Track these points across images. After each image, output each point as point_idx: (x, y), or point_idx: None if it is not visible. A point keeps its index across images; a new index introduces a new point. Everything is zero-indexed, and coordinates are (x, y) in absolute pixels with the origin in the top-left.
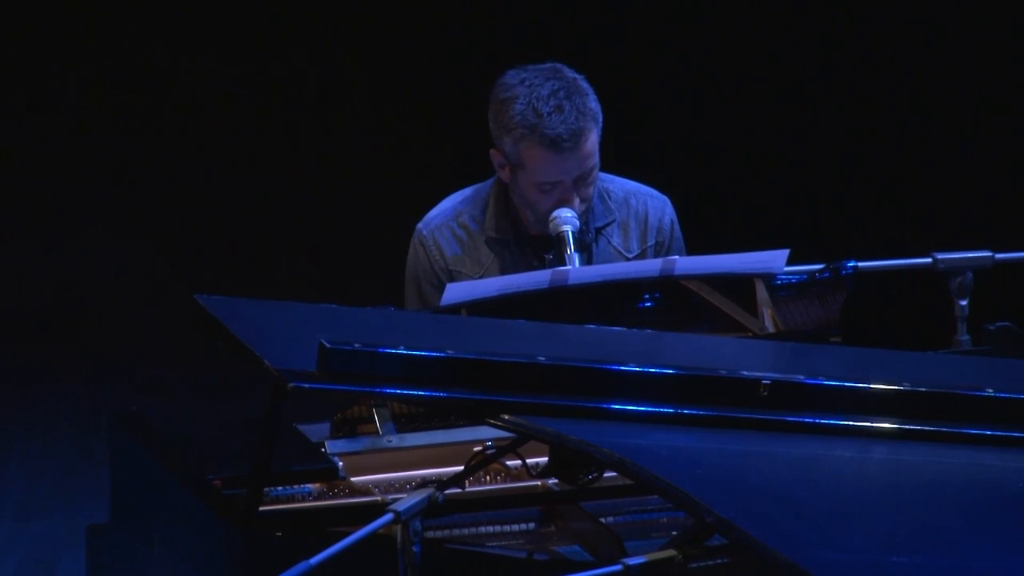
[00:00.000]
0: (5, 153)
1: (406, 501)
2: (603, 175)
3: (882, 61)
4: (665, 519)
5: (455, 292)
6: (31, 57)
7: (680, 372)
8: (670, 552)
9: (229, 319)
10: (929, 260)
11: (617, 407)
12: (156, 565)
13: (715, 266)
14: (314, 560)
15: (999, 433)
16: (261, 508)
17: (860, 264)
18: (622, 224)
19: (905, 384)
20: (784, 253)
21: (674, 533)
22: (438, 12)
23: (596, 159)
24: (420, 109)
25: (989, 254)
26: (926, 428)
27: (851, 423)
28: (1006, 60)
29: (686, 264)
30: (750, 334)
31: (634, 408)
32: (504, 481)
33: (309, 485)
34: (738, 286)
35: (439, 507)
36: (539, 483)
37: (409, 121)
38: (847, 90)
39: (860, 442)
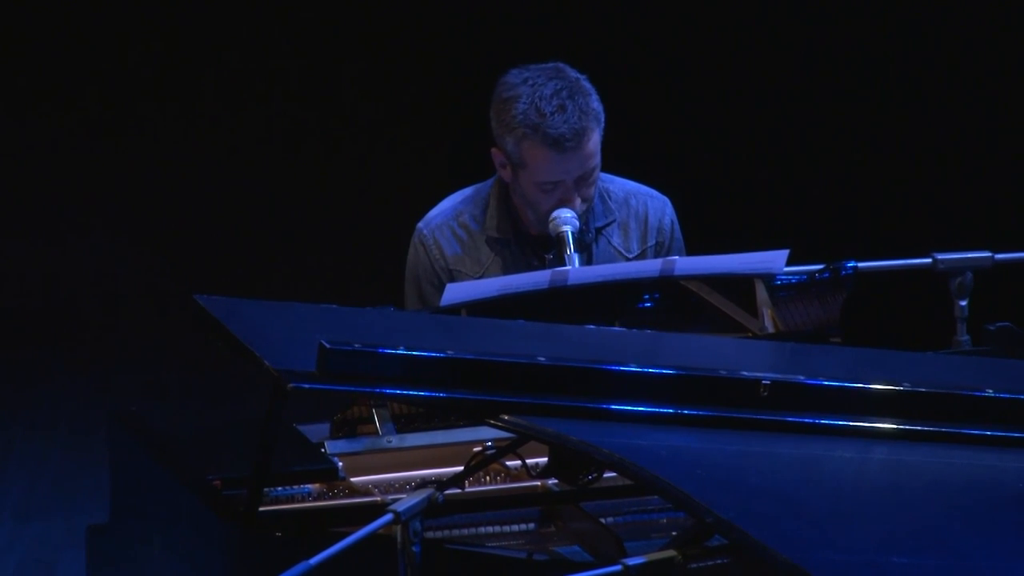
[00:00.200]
0: (5, 153)
1: (406, 501)
2: (603, 175)
3: (882, 61)
4: (665, 519)
5: (455, 292)
6: (31, 57)
7: (680, 372)
8: (670, 552)
9: (229, 319)
10: (929, 260)
11: (617, 407)
12: (156, 565)
13: (715, 266)
14: (314, 560)
15: (999, 433)
16: (261, 508)
17: (860, 264)
18: (622, 224)
19: (905, 384)
20: (784, 253)
21: (674, 533)
22: (439, 12)
23: (598, 159)
24: (420, 109)
25: (989, 254)
26: (926, 428)
27: (851, 423)
28: (1006, 60)
29: (686, 264)
30: (750, 334)
31: (634, 408)
32: (504, 481)
33: (309, 485)
34: (738, 286)
35: (439, 507)
36: (539, 483)
37: (409, 121)
38: (847, 90)
39: (860, 442)
